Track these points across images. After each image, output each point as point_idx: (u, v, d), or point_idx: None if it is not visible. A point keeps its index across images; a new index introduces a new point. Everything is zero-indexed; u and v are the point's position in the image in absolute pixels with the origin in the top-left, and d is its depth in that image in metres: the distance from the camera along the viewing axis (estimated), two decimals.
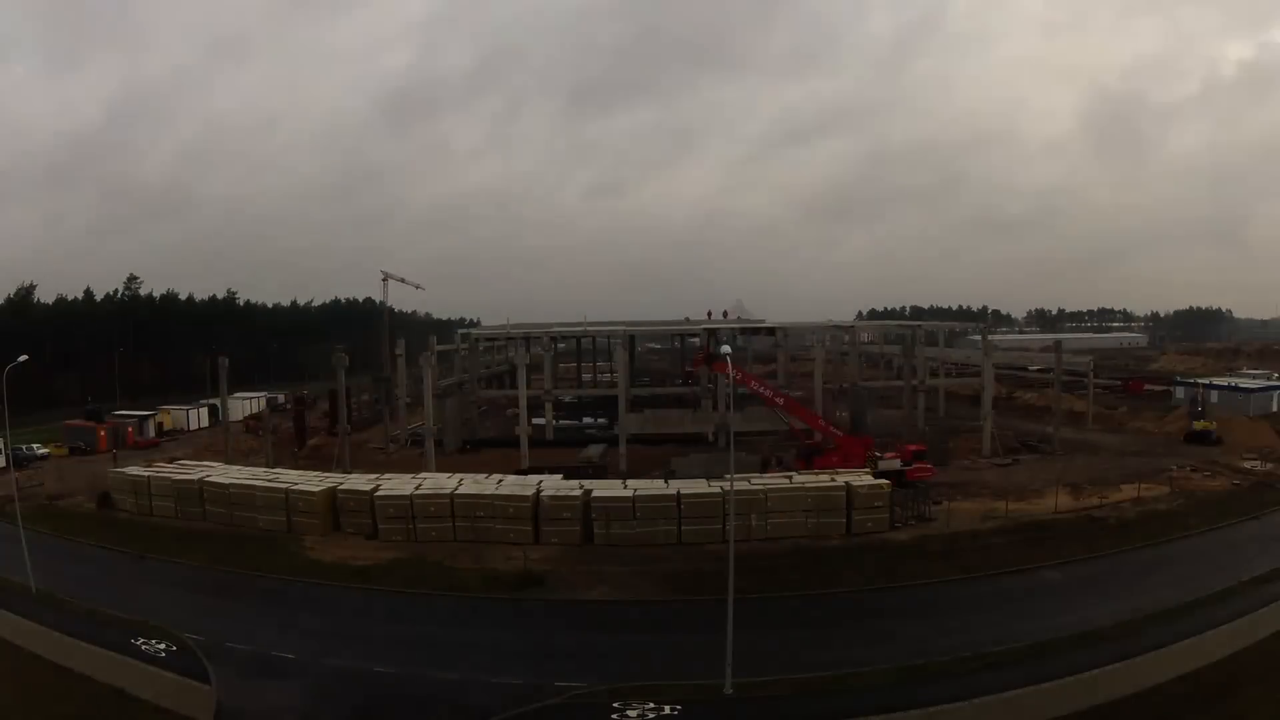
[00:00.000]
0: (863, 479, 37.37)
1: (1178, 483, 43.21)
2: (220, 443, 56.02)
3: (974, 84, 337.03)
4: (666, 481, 38.58)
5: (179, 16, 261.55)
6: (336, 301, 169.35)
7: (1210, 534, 34.54)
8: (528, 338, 68.34)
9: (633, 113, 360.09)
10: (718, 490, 34.90)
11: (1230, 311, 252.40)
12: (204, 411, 75.91)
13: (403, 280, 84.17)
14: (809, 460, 45.17)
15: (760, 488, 35.82)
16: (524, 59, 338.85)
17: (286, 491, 37.68)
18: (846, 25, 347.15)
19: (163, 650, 23.74)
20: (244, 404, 76.36)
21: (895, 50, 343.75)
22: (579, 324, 73.93)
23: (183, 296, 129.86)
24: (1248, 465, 48.20)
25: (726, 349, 25.95)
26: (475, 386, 66.72)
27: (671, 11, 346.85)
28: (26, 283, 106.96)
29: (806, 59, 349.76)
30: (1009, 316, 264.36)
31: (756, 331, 78.28)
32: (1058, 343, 75.98)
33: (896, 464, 42.80)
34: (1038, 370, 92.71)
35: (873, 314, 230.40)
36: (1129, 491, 41.63)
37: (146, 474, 42.13)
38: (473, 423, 62.09)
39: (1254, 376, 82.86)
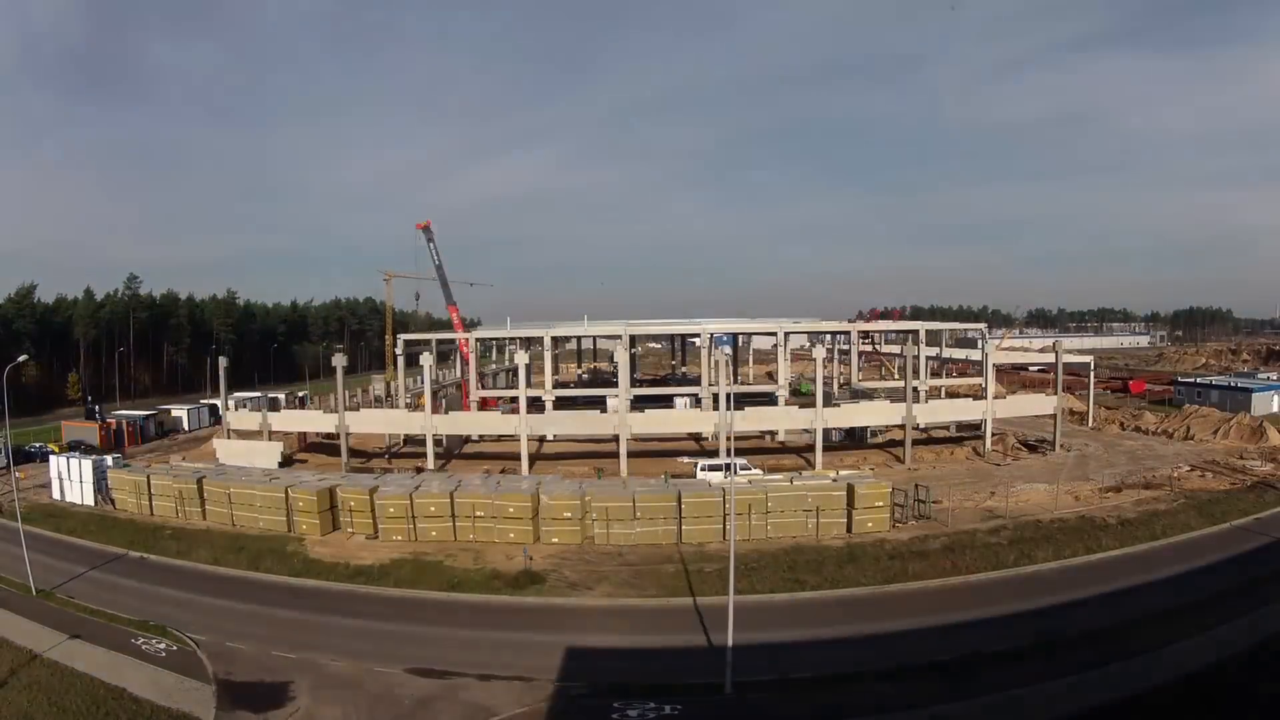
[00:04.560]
0: (864, 479, 37.34)
1: (1178, 482, 43.20)
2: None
3: None
4: None
5: None
6: (336, 301, 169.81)
7: (1210, 534, 34.50)
8: (528, 339, 68.41)
9: None
10: (717, 490, 34.94)
11: (1230, 311, 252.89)
12: (204, 412, 75.89)
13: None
14: None
15: (760, 488, 35.80)
16: None
17: (286, 491, 37.67)
18: None
19: (163, 650, 23.78)
20: (245, 405, 76.29)
21: None
22: (579, 324, 73.88)
23: (183, 296, 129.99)
24: (1248, 465, 48.18)
25: (727, 349, 25.94)
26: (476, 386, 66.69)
27: None
28: (27, 283, 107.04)
29: None
30: (1009, 316, 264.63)
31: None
32: (1057, 342, 75.93)
33: None
34: (1038, 369, 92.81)
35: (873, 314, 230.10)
36: (1129, 491, 41.64)
37: (146, 474, 42.12)
38: None
39: (1254, 376, 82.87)
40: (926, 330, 69.27)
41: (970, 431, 58.66)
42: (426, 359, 55.28)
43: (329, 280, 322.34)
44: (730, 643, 20.76)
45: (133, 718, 19.77)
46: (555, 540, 34.32)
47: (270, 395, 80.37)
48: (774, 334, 62.93)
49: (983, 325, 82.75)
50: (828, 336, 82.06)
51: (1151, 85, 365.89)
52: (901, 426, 51.50)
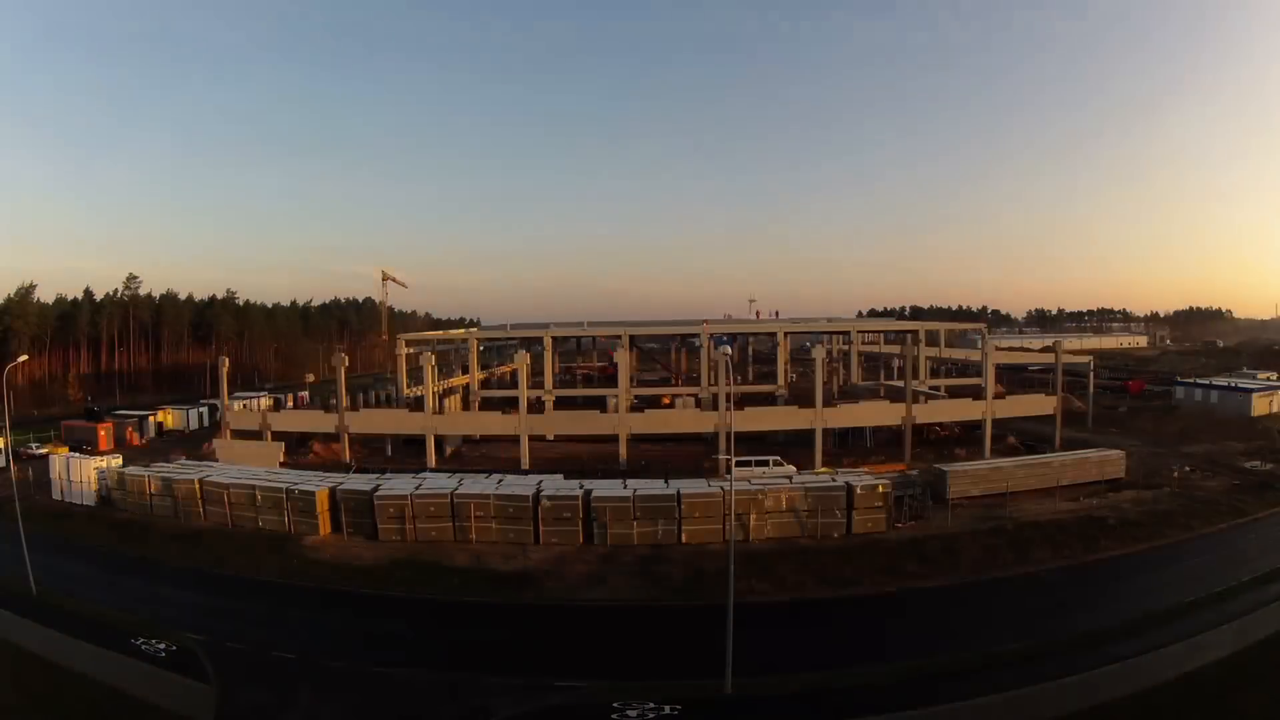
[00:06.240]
0: (863, 479, 37.36)
1: (1178, 483, 43.20)
2: None
3: None
4: None
5: None
6: (336, 301, 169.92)
7: (1210, 534, 34.52)
8: (528, 339, 68.47)
9: None
10: (718, 490, 34.95)
11: (1230, 312, 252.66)
12: (204, 411, 75.82)
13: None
14: None
15: (759, 488, 35.80)
16: None
17: (286, 491, 37.67)
18: None
19: (163, 650, 23.77)
20: (245, 404, 76.24)
21: None
22: (579, 324, 74.03)
23: (182, 296, 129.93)
24: (1248, 465, 48.19)
25: (727, 349, 25.95)
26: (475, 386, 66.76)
27: None
28: (26, 283, 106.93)
29: None
30: (1008, 316, 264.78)
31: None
32: (1057, 342, 75.86)
33: None
34: (1037, 369, 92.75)
35: (872, 314, 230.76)
36: (1129, 491, 41.63)
37: (146, 474, 42.12)
38: None
39: (1254, 377, 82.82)
40: (925, 330, 69.35)
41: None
42: (427, 359, 55.29)
43: (330, 280, 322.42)
44: (730, 643, 20.78)
45: (132, 719, 19.79)
46: (555, 540, 34.32)
47: (270, 395, 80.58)
48: (774, 334, 63.14)
49: (982, 325, 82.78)
50: (826, 337, 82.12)
51: (1151, 82, 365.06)
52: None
